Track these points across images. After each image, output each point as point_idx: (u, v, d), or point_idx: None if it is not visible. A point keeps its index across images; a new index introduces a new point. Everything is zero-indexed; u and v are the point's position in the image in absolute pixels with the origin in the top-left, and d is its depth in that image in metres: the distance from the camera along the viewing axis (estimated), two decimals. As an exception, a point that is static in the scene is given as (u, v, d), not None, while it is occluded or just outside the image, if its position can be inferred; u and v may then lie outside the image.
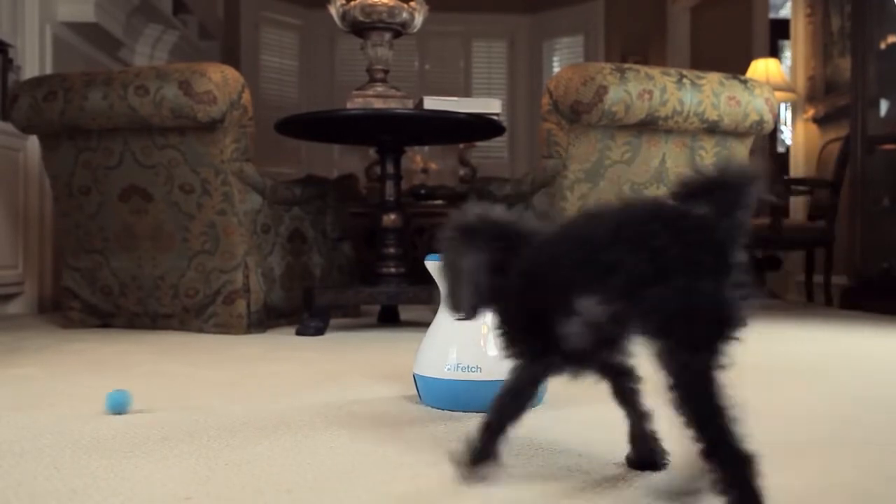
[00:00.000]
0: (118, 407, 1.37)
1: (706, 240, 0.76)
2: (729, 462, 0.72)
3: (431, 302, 2.81)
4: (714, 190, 0.77)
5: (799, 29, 5.39)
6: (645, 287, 0.76)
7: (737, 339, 0.76)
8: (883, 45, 4.14)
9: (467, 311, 0.97)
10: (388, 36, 2.93)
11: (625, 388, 0.98)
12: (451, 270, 0.97)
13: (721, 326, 0.75)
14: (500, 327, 0.96)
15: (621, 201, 0.86)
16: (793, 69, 5.53)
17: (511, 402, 0.93)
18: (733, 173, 0.77)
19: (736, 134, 2.94)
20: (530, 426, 1.28)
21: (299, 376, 1.82)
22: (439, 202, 5.21)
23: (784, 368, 1.98)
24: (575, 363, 0.92)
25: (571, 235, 0.87)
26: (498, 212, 0.97)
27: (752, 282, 0.77)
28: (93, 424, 1.28)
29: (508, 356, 0.95)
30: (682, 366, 0.75)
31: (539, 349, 0.91)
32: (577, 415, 1.35)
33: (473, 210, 0.96)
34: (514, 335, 0.94)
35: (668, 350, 0.76)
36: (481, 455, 0.92)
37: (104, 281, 2.95)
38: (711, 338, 0.75)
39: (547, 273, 0.87)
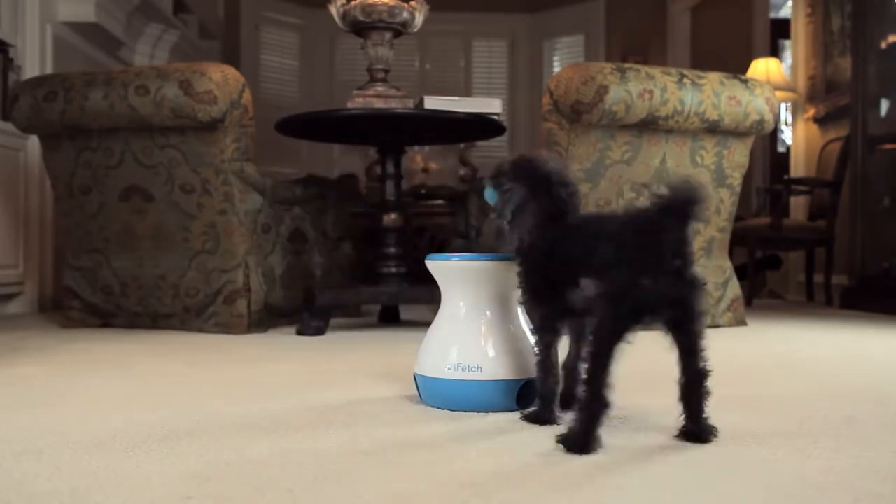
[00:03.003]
0: None
1: (653, 245, 1.05)
2: (591, 395, 1.05)
3: (432, 302, 2.81)
4: (667, 207, 1.04)
5: (799, 29, 5.39)
6: (608, 269, 1.07)
7: (687, 316, 1.09)
8: (883, 45, 4.14)
9: (504, 239, 1.27)
10: (388, 35, 2.93)
11: (583, 333, 1.22)
12: (504, 197, 1.25)
13: (642, 311, 1.05)
14: (522, 290, 1.26)
15: (620, 211, 1.17)
16: (793, 69, 5.53)
17: (544, 372, 1.26)
18: (681, 196, 1.04)
19: (736, 134, 2.93)
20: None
21: (299, 376, 1.82)
22: (440, 202, 5.21)
23: (784, 368, 1.98)
24: (572, 322, 1.24)
25: (586, 231, 1.16)
26: (563, 172, 1.24)
27: (692, 281, 1.07)
28: (93, 424, 1.29)
29: (532, 319, 1.28)
30: (601, 323, 1.06)
31: (550, 310, 1.23)
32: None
33: (543, 159, 1.25)
34: (533, 296, 1.25)
35: (601, 314, 1.06)
36: (542, 420, 1.26)
37: (105, 281, 2.95)
38: (631, 314, 1.05)
39: (566, 254, 1.17)
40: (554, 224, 1.22)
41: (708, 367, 1.13)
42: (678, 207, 1.05)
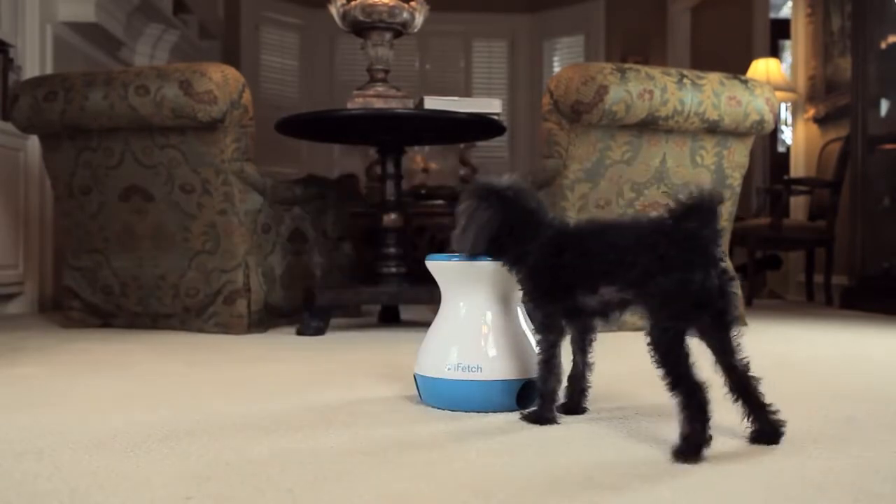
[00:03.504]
0: None
1: (697, 244, 1.09)
2: (686, 392, 1.05)
3: (432, 302, 2.81)
4: (694, 209, 1.09)
5: (799, 29, 5.39)
6: (651, 278, 1.10)
7: (723, 311, 1.11)
8: (883, 45, 4.14)
9: (468, 251, 1.31)
10: (388, 36, 2.93)
11: (584, 340, 1.32)
12: (465, 216, 1.30)
13: (702, 305, 1.09)
14: (526, 292, 1.29)
15: (630, 216, 1.20)
16: (793, 69, 5.52)
17: (547, 371, 1.27)
18: (706, 197, 1.09)
19: (736, 134, 2.93)
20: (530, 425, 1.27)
21: (299, 376, 1.82)
22: (440, 202, 5.21)
23: (784, 368, 1.98)
24: (573, 320, 1.29)
25: (602, 239, 1.19)
26: (518, 185, 1.29)
27: (730, 273, 1.12)
28: (93, 424, 1.29)
29: (533, 316, 1.30)
30: (663, 329, 1.08)
31: (555, 310, 1.26)
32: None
33: (497, 177, 1.31)
34: (538, 297, 1.27)
35: (657, 319, 1.10)
36: (543, 420, 1.27)
37: (105, 281, 2.95)
38: (692, 312, 1.09)
39: (580, 260, 1.21)
40: (535, 231, 1.26)
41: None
42: (705, 207, 1.08)
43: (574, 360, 1.33)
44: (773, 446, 1.13)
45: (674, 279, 1.07)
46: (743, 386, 1.14)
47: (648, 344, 1.09)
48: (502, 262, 1.31)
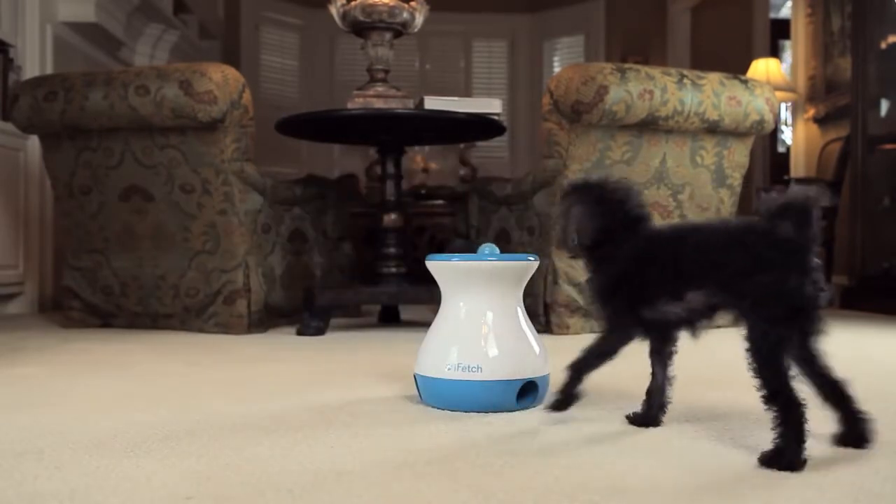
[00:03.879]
0: None
1: (793, 247, 1.05)
2: (783, 406, 1.02)
3: (432, 302, 2.81)
4: (788, 210, 1.05)
5: (799, 29, 5.39)
6: (745, 278, 1.06)
7: (810, 320, 1.08)
8: (883, 45, 4.14)
9: (570, 248, 1.27)
10: (388, 36, 2.93)
11: (665, 352, 1.25)
12: (564, 216, 1.27)
13: (797, 310, 1.06)
14: (598, 292, 1.25)
15: (716, 220, 1.19)
16: (793, 69, 5.52)
17: (595, 360, 1.24)
18: (801, 197, 1.06)
19: (736, 134, 2.94)
20: (530, 425, 1.28)
21: (299, 376, 1.82)
22: (440, 202, 5.21)
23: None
24: (654, 331, 1.23)
25: (690, 242, 1.15)
26: (615, 185, 1.26)
27: (824, 280, 1.08)
28: (93, 424, 1.29)
29: (600, 316, 1.26)
30: (762, 334, 1.05)
31: (628, 315, 1.21)
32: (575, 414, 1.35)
33: (594, 176, 1.30)
34: (611, 300, 1.23)
35: (754, 322, 1.06)
36: (566, 399, 1.27)
37: (105, 281, 2.95)
38: (788, 317, 1.05)
39: (666, 267, 1.16)
40: (631, 233, 1.22)
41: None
42: (800, 208, 1.05)
43: (653, 373, 1.27)
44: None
45: (770, 279, 1.04)
46: (838, 392, 1.12)
47: (747, 350, 1.05)
48: (585, 258, 1.28)
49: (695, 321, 1.17)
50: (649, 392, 1.27)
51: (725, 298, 1.10)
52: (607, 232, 1.23)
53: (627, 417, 1.28)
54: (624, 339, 1.23)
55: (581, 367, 1.25)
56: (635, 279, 1.19)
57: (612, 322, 1.24)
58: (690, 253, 1.13)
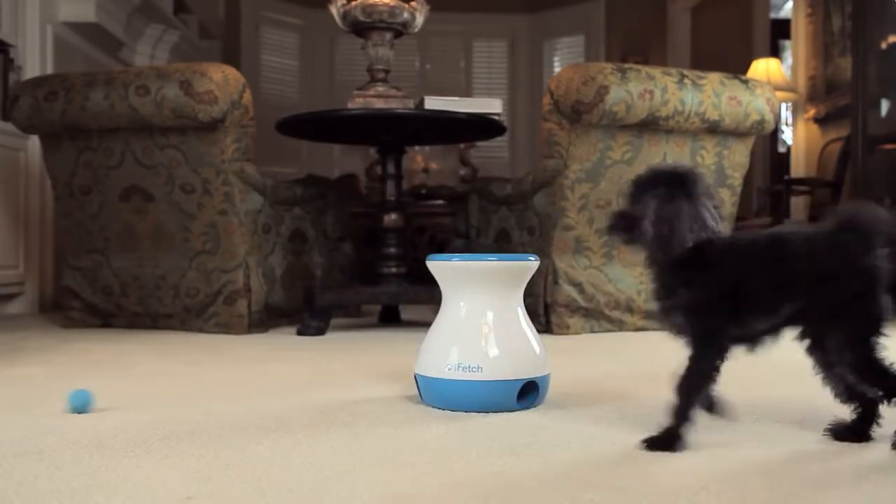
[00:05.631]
0: (80, 407, 1.37)
1: (870, 261, 1.08)
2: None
3: (432, 302, 2.81)
4: (854, 226, 1.09)
5: (800, 29, 5.39)
6: (841, 286, 1.09)
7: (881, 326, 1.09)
8: (883, 45, 4.13)
9: (668, 251, 1.14)
10: (388, 36, 2.93)
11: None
12: (655, 212, 1.14)
13: (881, 318, 1.09)
14: (691, 307, 1.14)
15: (794, 227, 1.18)
16: (793, 69, 5.52)
17: (703, 381, 1.14)
18: (865, 217, 1.10)
19: (737, 134, 2.93)
20: (533, 424, 1.28)
21: (300, 376, 1.82)
22: (440, 202, 5.21)
23: (784, 368, 1.97)
24: (743, 344, 1.17)
25: (788, 251, 1.12)
26: (687, 170, 1.17)
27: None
28: (93, 424, 1.29)
29: (685, 332, 1.15)
30: (856, 336, 1.10)
31: (720, 330, 1.14)
32: (579, 413, 1.35)
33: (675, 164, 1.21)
34: (709, 316, 1.14)
35: (850, 330, 1.10)
36: (679, 432, 1.11)
37: (105, 281, 2.94)
38: (874, 322, 1.10)
39: (768, 275, 1.12)
40: (724, 240, 1.15)
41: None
42: (865, 227, 1.09)
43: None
44: (774, 447, 1.13)
45: (862, 286, 1.08)
46: None
47: (849, 363, 1.11)
48: (668, 267, 1.17)
49: (778, 331, 1.16)
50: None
51: (819, 308, 1.11)
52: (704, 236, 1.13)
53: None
54: (722, 356, 1.15)
55: (690, 391, 1.12)
56: (739, 293, 1.13)
57: (706, 339, 1.14)
58: (791, 263, 1.11)
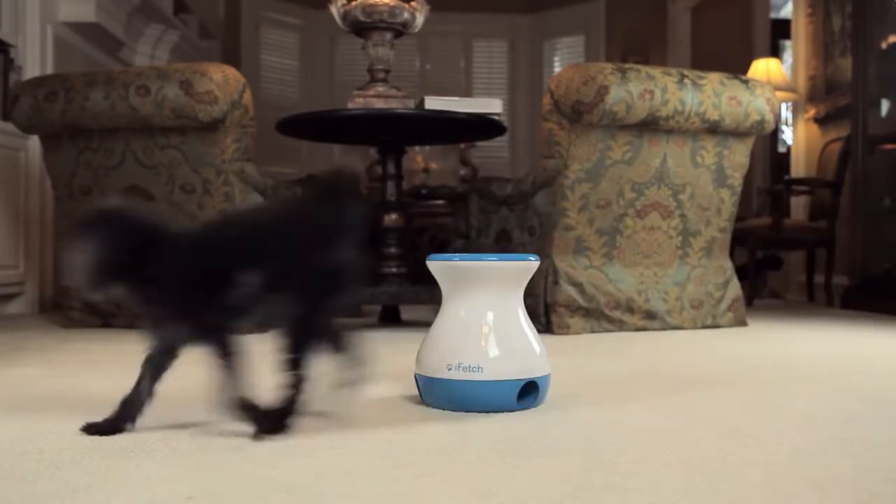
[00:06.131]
0: None
1: (331, 227, 1.11)
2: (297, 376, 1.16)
3: (432, 302, 2.81)
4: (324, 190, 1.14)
5: (800, 29, 5.39)
6: (293, 260, 1.13)
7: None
8: (884, 45, 4.14)
9: (87, 287, 1.22)
10: (388, 36, 2.93)
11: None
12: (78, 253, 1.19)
13: (336, 290, 1.15)
14: (154, 309, 1.23)
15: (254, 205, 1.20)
16: (794, 69, 5.52)
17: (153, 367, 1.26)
18: (329, 177, 1.13)
19: (737, 134, 2.94)
20: (532, 425, 1.28)
21: (300, 376, 1.82)
22: (440, 202, 5.21)
23: (784, 368, 1.98)
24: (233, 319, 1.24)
25: (231, 233, 1.18)
26: (128, 209, 1.21)
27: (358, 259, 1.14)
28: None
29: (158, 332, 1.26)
30: (307, 312, 1.16)
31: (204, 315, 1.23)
32: (579, 414, 1.35)
33: (105, 205, 1.22)
34: (171, 312, 1.24)
35: (300, 301, 1.15)
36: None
37: (105, 281, 2.94)
38: (330, 295, 1.16)
39: (210, 257, 1.16)
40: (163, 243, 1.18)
41: None
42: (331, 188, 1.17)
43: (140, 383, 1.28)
44: (774, 447, 1.13)
45: (316, 259, 1.15)
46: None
47: (287, 328, 1.16)
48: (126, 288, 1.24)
49: (252, 309, 1.21)
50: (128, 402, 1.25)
51: (278, 281, 1.14)
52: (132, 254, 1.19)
53: None
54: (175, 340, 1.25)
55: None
56: (188, 281, 1.19)
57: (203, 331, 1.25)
58: (241, 239, 1.16)
